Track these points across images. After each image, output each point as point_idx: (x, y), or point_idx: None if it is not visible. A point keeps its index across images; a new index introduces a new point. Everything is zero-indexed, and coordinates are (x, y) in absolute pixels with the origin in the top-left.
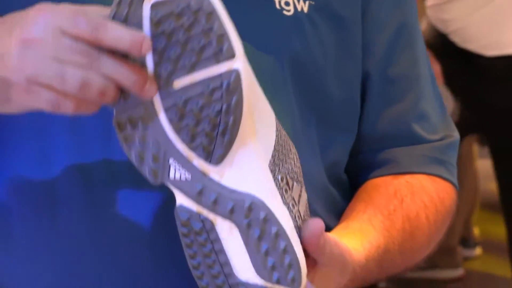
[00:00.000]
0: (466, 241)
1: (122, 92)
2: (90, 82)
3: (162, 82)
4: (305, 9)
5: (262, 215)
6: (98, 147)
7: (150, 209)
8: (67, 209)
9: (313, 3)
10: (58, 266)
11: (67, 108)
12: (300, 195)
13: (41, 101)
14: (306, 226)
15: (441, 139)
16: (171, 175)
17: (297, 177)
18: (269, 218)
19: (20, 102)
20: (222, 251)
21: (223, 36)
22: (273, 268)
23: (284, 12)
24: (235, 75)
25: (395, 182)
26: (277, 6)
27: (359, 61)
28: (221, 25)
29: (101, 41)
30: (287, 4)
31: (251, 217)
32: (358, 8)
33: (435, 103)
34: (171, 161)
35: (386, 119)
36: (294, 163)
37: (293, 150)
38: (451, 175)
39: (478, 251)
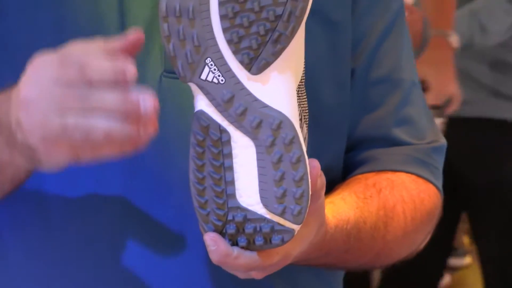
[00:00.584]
0: (456, 250)
1: None
2: (92, 128)
3: None
4: None
5: (290, 135)
6: (89, 171)
7: (141, 215)
8: (59, 217)
9: None
10: (53, 273)
11: (87, 157)
12: (305, 138)
13: (62, 157)
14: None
15: (427, 144)
16: (203, 75)
17: (306, 120)
18: (295, 141)
19: (48, 161)
20: (231, 168)
21: None
22: (283, 196)
23: None
24: None
25: (375, 176)
26: None
27: (350, 64)
28: None
29: (89, 79)
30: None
31: (277, 136)
32: (349, 11)
33: (421, 108)
34: (208, 60)
35: (366, 122)
36: (305, 106)
37: (305, 95)
38: (435, 178)
39: (468, 260)
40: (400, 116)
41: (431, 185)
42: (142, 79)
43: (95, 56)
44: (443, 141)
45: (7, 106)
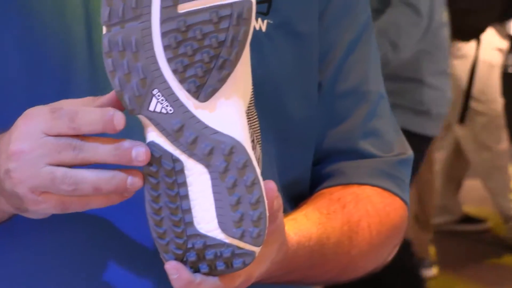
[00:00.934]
0: (423, 261)
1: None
2: (80, 180)
3: (166, 3)
4: (263, 28)
5: (242, 159)
6: None
7: (113, 228)
8: (27, 228)
9: (271, 22)
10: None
11: (74, 208)
12: (259, 159)
13: (50, 208)
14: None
15: (394, 156)
16: (152, 106)
17: (259, 141)
18: (248, 164)
19: (35, 211)
20: (187, 196)
21: None
22: (240, 220)
23: None
24: (248, 7)
25: (340, 191)
26: None
27: (318, 76)
28: None
29: (79, 130)
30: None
31: (230, 161)
32: (316, 23)
33: (388, 121)
34: (155, 91)
35: (333, 135)
36: (257, 127)
37: (255, 116)
38: (400, 191)
39: (434, 270)
40: (367, 129)
41: (397, 198)
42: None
43: (85, 107)
44: (410, 153)
45: None
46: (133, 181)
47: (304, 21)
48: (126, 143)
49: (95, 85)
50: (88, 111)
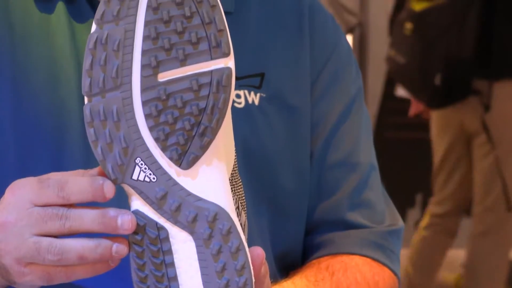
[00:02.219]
0: None
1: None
2: (66, 250)
3: (147, 73)
4: (256, 101)
5: (226, 226)
6: None
7: None
8: None
9: (264, 95)
10: None
11: (60, 278)
12: (245, 225)
13: (35, 279)
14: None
15: (385, 227)
16: (135, 175)
17: (244, 207)
18: (233, 231)
19: (22, 283)
20: (172, 264)
21: (222, 31)
22: (226, 287)
23: (235, 104)
24: (228, 73)
25: (329, 260)
26: None
27: (310, 147)
28: (222, 20)
29: (68, 199)
30: (238, 96)
31: (214, 227)
32: (308, 96)
33: (379, 192)
34: (137, 160)
35: (322, 206)
36: (242, 194)
37: (240, 182)
38: (390, 262)
39: None
40: (358, 200)
41: (386, 268)
42: None
43: (74, 176)
44: (400, 224)
45: None
46: (119, 249)
47: (296, 94)
48: (112, 212)
49: (88, 157)
50: (78, 180)
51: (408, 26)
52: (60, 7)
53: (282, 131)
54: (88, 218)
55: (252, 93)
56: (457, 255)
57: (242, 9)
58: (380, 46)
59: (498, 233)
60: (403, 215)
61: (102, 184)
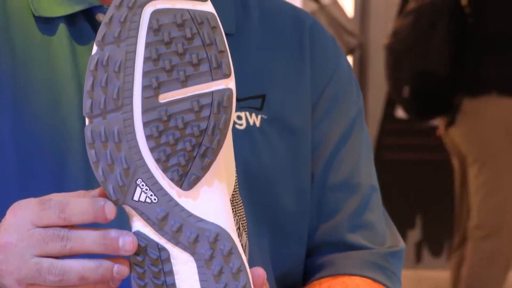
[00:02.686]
0: None
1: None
2: (66, 270)
3: (148, 94)
4: (257, 123)
5: (227, 246)
6: None
7: None
8: None
9: (265, 117)
10: None
11: None
12: (246, 245)
13: None
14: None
15: (386, 248)
16: (136, 196)
17: (245, 228)
18: (234, 251)
19: None
20: (173, 285)
21: (223, 52)
22: None
23: (237, 126)
24: (228, 94)
25: (330, 281)
26: None
27: (311, 168)
28: (223, 41)
29: (69, 220)
30: (239, 118)
31: (216, 248)
32: (309, 117)
33: (380, 213)
34: (139, 181)
35: (323, 228)
36: (242, 214)
37: (240, 203)
38: (391, 283)
39: None
40: (359, 222)
41: None
42: None
43: (75, 198)
44: (402, 246)
45: None
46: (120, 270)
47: (297, 115)
48: (113, 233)
49: (89, 178)
50: (79, 201)
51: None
52: (62, 29)
53: (283, 153)
54: (89, 239)
55: (253, 114)
56: None
57: (243, 31)
58: (380, 67)
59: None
60: (403, 236)
61: (103, 205)
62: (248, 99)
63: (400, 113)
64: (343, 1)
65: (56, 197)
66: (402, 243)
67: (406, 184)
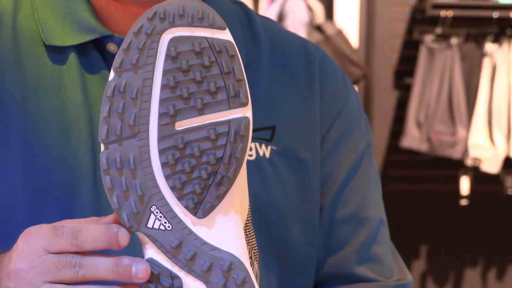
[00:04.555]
0: None
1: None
2: None
3: (164, 121)
4: (267, 154)
5: (241, 276)
6: None
7: None
8: None
9: (275, 148)
10: None
11: None
12: (257, 275)
13: None
14: None
15: (394, 281)
16: (150, 223)
17: (257, 257)
18: (247, 281)
19: None
20: None
21: (241, 81)
22: None
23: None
24: (246, 123)
25: None
26: None
27: (319, 201)
28: (241, 70)
29: (82, 247)
30: (249, 149)
31: (229, 277)
32: (318, 151)
33: (388, 247)
34: (153, 208)
35: (331, 260)
36: (254, 244)
37: (252, 232)
38: None
39: None
40: (367, 255)
41: None
42: None
43: (88, 224)
44: (409, 279)
45: None
46: None
47: (306, 148)
48: (126, 260)
49: (99, 209)
50: (92, 228)
51: None
52: (72, 59)
53: (292, 185)
54: (102, 267)
55: (263, 146)
56: None
57: (253, 63)
58: (385, 97)
59: None
60: (408, 266)
61: (117, 232)
62: (258, 131)
63: (405, 143)
64: (347, 32)
65: (68, 224)
66: (409, 276)
67: (410, 215)
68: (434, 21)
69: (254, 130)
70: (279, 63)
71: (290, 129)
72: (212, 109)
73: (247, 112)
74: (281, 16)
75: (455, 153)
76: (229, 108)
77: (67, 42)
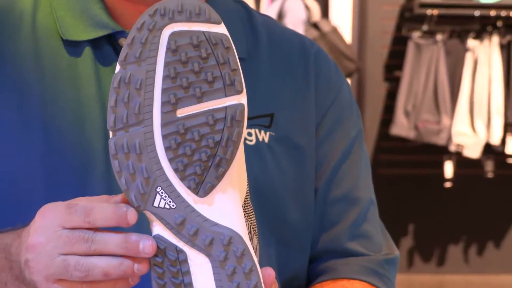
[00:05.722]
0: None
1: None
2: (91, 267)
3: (166, 109)
4: (266, 139)
5: (240, 249)
6: None
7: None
8: None
9: (273, 134)
10: None
11: None
12: (256, 248)
13: None
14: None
15: (382, 255)
16: (156, 202)
17: (256, 232)
18: (246, 253)
19: None
20: (190, 284)
21: (236, 70)
22: None
23: (247, 141)
24: (241, 109)
25: (331, 284)
26: None
27: (314, 183)
28: (236, 61)
29: (94, 224)
30: (249, 134)
31: (229, 250)
32: (313, 137)
33: (377, 224)
34: (158, 189)
35: (325, 237)
36: (253, 219)
37: (251, 208)
38: (386, 287)
39: None
40: (357, 232)
41: None
42: None
43: (99, 203)
44: (396, 253)
45: (18, 247)
46: (139, 267)
47: (302, 134)
48: (134, 237)
49: (110, 193)
50: (103, 207)
51: None
52: (87, 52)
53: (289, 169)
54: (112, 243)
55: (262, 131)
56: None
57: (253, 56)
58: (376, 89)
59: None
60: (397, 243)
61: (126, 211)
62: (258, 118)
63: (394, 130)
64: (342, 29)
65: (81, 202)
66: (396, 251)
67: (399, 197)
68: (421, 19)
69: (254, 117)
70: (277, 57)
71: (287, 117)
72: (210, 97)
73: (242, 98)
74: (281, 15)
75: (440, 140)
76: (226, 96)
77: (82, 37)
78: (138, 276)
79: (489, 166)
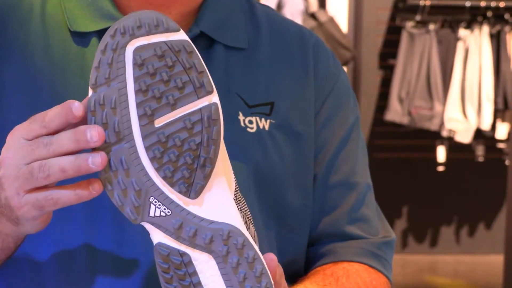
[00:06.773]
0: None
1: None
2: (52, 165)
3: (144, 122)
4: (266, 127)
5: (240, 240)
6: (80, 233)
7: (132, 279)
8: (53, 282)
9: (273, 121)
10: None
11: (49, 205)
12: (255, 236)
13: (31, 209)
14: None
15: (379, 238)
16: (151, 212)
17: (251, 220)
18: (246, 243)
19: (21, 215)
20: (199, 283)
21: (203, 72)
22: None
23: (248, 129)
24: (215, 108)
25: (332, 267)
26: (242, 124)
27: (313, 169)
28: (201, 63)
29: (49, 127)
30: (250, 122)
31: (230, 244)
32: (312, 124)
33: (374, 209)
34: (151, 199)
35: (324, 221)
36: (246, 209)
37: (242, 199)
38: (384, 269)
39: None
40: (356, 215)
41: (381, 275)
42: None
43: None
44: (393, 236)
45: None
46: (94, 160)
47: (301, 122)
48: (82, 127)
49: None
50: (53, 109)
51: None
52: (94, 43)
53: (289, 155)
54: (64, 137)
55: (263, 119)
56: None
57: (254, 46)
58: (371, 77)
59: None
60: (391, 225)
61: (71, 103)
62: (258, 106)
63: (388, 116)
64: (338, 19)
65: (41, 112)
66: (393, 234)
67: (393, 180)
68: (414, 9)
69: (255, 106)
70: (277, 46)
71: (287, 105)
72: (183, 102)
73: (214, 98)
74: (280, 5)
75: (433, 125)
76: (198, 98)
77: (90, 28)
78: (98, 183)
79: (479, 151)
